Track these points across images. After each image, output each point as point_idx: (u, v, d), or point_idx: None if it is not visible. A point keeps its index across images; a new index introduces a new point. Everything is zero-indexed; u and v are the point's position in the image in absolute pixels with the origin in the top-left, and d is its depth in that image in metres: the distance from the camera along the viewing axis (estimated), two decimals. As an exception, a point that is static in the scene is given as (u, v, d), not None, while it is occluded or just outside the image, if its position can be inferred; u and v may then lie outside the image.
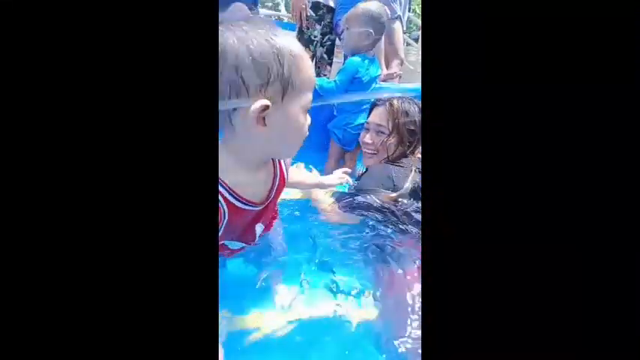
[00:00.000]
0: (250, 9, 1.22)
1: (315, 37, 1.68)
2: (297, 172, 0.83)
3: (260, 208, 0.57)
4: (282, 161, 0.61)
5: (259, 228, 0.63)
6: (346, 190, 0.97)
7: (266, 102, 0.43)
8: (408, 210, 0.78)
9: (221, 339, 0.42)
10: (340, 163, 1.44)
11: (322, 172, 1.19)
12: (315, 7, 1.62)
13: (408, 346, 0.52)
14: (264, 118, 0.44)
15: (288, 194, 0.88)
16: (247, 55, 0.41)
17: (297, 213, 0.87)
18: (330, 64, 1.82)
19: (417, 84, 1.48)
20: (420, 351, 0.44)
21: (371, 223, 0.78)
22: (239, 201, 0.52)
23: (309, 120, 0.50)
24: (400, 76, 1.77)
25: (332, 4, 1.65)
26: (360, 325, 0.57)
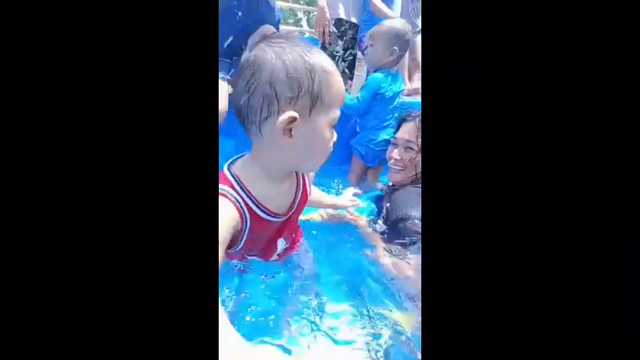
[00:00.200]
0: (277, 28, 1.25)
1: (337, 52, 1.69)
2: (315, 191, 0.83)
3: (282, 219, 0.57)
4: (305, 175, 0.62)
5: (281, 244, 0.63)
6: (372, 211, 0.96)
7: (294, 114, 0.45)
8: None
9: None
10: (363, 178, 1.42)
11: (346, 186, 1.18)
12: (338, 23, 1.64)
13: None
14: (290, 130, 0.46)
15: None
16: (282, 69, 0.44)
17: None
18: (352, 79, 1.83)
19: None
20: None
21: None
22: (262, 211, 0.53)
23: (334, 136, 0.51)
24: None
25: (355, 20, 1.66)
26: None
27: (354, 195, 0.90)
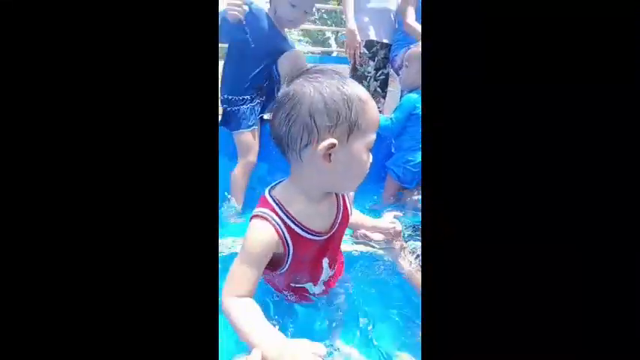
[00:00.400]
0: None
1: (368, 72, 1.70)
2: (356, 212, 0.82)
3: (324, 237, 0.59)
4: (345, 195, 0.64)
5: (325, 263, 0.63)
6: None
7: (334, 141, 0.48)
8: None
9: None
10: (398, 195, 1.38)
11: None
12: (369, 44, 1.65)
13: None
14: (330, 155, 0.49)
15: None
16: (321, 101, 0.48)
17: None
18: (384, 97, 1.82)
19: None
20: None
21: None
22: (302, 230, 0.55)
23: (370, 158, 0.53)
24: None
25: (386, 40, 1.66)
26: None
27: (395, 217, 0.88)
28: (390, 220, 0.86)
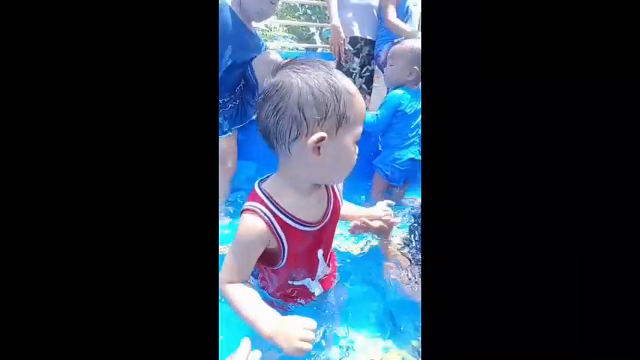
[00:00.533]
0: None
1: (353, 69, 1.68)
2: (347, 204, 0.82)
3: (317, 228, 0.59)
4: (335, 186, 0.64)
5: (320, 255, 0.64)
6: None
7: (323, 134, 0.48)
8: None
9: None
10: (386, 193, 1.37)
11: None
12: (353, 41, 1.63)
13: None
14: (319, 148, 0.49)
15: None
16: (309, 93, 0.47)
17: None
18: (370, 94, 1.81)
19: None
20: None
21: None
22: (293, 221, 0.56)
23: (357, 149, 0.54)
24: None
25: (370, 37, 1.64)
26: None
27: (388, 205, 0.87)
28: (382, 208, 0.86)
